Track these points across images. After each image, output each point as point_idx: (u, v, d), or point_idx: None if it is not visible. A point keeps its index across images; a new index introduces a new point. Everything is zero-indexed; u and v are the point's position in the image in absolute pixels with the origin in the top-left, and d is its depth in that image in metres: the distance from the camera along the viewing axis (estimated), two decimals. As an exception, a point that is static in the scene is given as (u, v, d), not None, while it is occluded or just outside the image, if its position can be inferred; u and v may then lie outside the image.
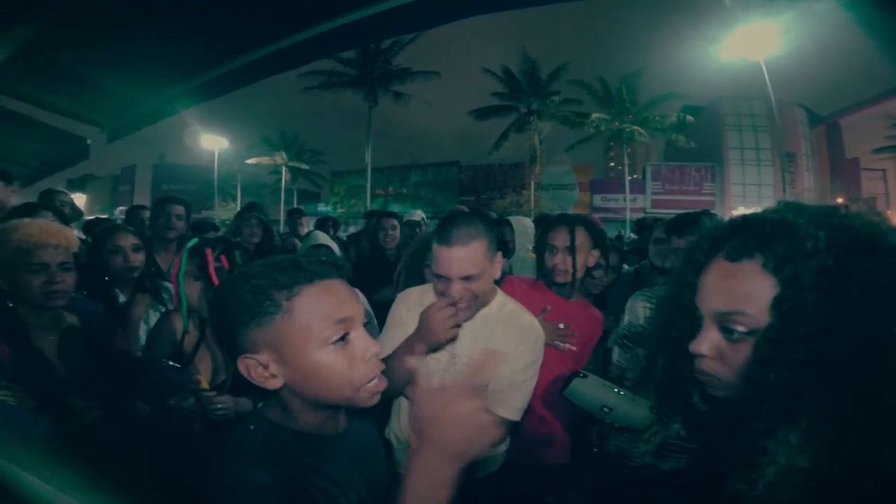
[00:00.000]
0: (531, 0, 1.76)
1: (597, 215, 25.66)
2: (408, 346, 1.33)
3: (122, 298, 2.18)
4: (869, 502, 0.55)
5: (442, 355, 1.45)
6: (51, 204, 3.11)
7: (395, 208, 28.36)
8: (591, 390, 1.52)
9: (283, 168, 32.76)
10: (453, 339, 1.39)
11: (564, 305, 1.85)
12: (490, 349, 1.39)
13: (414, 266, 2.22)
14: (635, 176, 29.41)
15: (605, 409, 1.51)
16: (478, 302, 1.38)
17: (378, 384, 0.81)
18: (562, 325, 1.77)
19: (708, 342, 0.68)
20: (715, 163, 28.73)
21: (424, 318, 1.31)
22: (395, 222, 3.40)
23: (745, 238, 0.66)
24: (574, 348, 1.79)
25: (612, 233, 10.68)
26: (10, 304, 1.45)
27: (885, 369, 0.55)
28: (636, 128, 24.59)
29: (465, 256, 1.28)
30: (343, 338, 0.77)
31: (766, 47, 10.61)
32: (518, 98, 25.97)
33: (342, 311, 0.77)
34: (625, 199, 26.04)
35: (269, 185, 36.37)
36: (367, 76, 25.17)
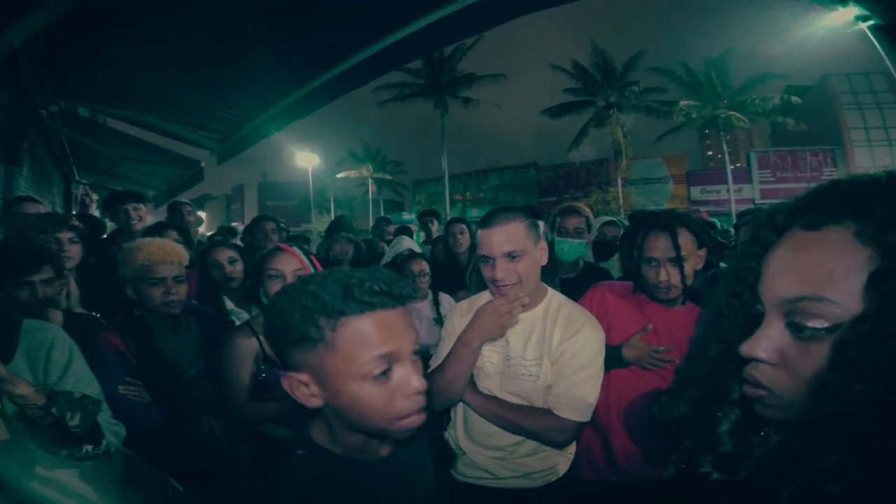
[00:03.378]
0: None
1: (696, 208, 23.39)
2: (461, 343, 1.35)
3: (229, 305, 2.42)
4: None
5: (496, 358, 1.43)
6: (177, 222, 3.56)
7: (473, 213, 28.54)
8: None
9: (370, 180, 34.57)
10: (501, 337, 1.39)
11: (666, 315, 1.62)
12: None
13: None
14: (738, 164, 26.38)
15: None
16: (523, 289, 1.35)
17: (415, 420, 0.76)
18: (661, 349, 1.56)
19: (767, 342, 0.50)
20: (834, 145, 24.96)
21: (479, 312, 1.34)
22: (463, 227, 3.43)
23: (830, 201, 0.48)
24: (677, 361, 1.57)
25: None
26: (138, 312, 1.69)
27: None
28: (733, 113, 22.28)
29: (504, 234, 1.33)
30: (385, 372, 0.73)
31: (870, 18, 8.90)
32: (593, 92, 24.84)
33: (387, 347, 0.72)
34: (728, 191, 23.56)
35: (357, 196, 38.64)
36: (434, 85, 25.73)
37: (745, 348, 0.51)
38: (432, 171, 34.94)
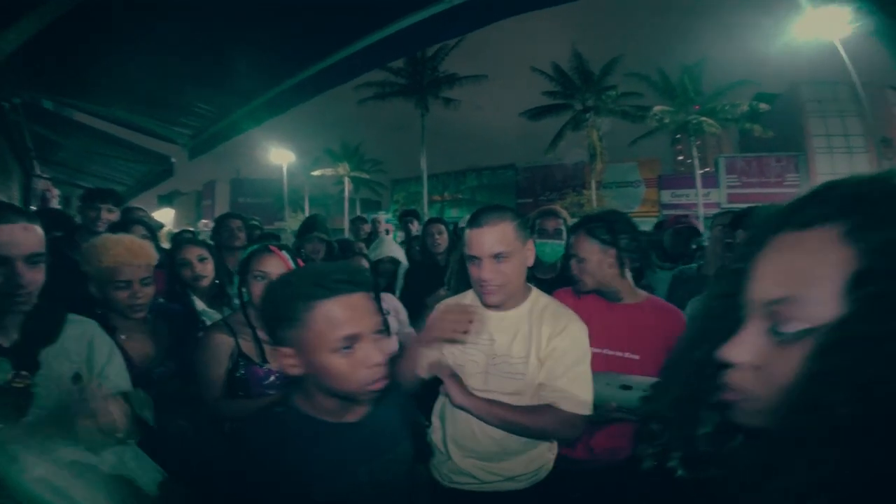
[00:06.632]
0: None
1: (667, 212, 24.23)
2: (417, 341, 1.41)
3: (199, 305, 2.36)
4: None
5: (479, 357, 1.43)
6: (141, 219, 3.45)
7: (452, 213, 28.61)
8: (598, 391, 1.45)
9: (346, 178, 34.18)
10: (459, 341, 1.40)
11: (614, 310, 1.74)
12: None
13: (463, 269, 2.22)
14: (707, 169, 27.32)
15: (623, 409, 1.48)
16: (508, 289, 1.38)
17: (377, 385, 0.92)
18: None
19: (746, 345, 0.48)
20: (798, 152, 26.15)
21: (435, 318, 1.37)
22: (441, 227, 3.46)
23: (821, 200, 0.46)
24: (636, 356, 1.65)
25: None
26: (99, 312, 1.63)
27: None
28: (704, 118, 23.01)
29: (493, 234, 1.35)
30: (350, 346, 0.89)
31: (843, 28, 9.39)
32: (572, 95, 25.31)
33: (350, 328, 0.89)
34: (697, 195, 24.34)
35: (333, 195, 38.13)
36: (416, 84, 25.78)
37: (724, 352, 0.50)
38: (411, 171, 34.81)
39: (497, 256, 1.34)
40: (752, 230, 0.55)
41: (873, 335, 0.38)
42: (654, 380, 1.47)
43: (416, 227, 4.71)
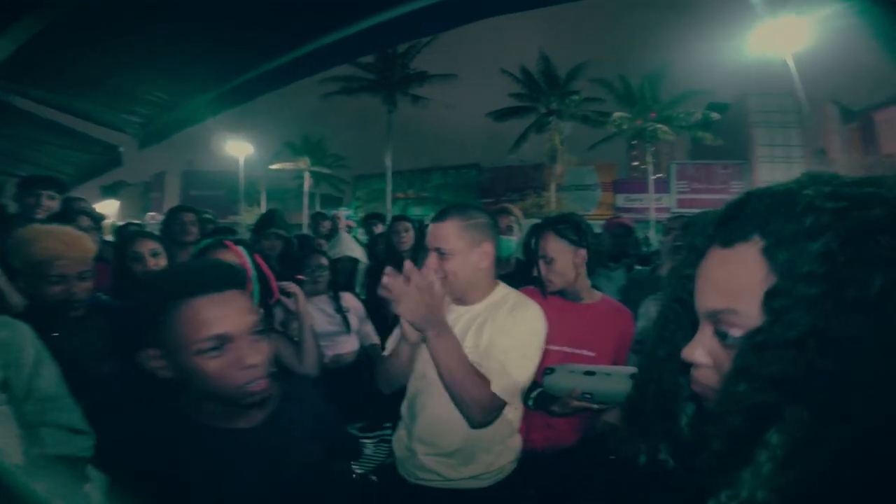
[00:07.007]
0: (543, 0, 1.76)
1: (621, 216, 24.89)
2: (403, 342, 1.39)
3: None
4: None
5: None
6: (85, 209, 3.25)
7: (415, 211, 28.49)
8: (563, 381, 1.52)
9: (306, 173, 33.30)
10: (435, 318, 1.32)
11: (575, 310, 1.80)
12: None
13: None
14: (660, 175, 28.61)
15: (587, 396, 1.51)
16: (454, 285, 1.41)
17: (257, 386, 0.87)
18: None
19: (702, 348, 0.55)
20: (743, 160, 27.90)
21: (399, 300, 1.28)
22: (408, 224, 3.48)
23: (739, 217, 0.53)
24: (592, 354, 1.73)
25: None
26: (28, 311, 1.52)
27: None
28: (660, 126, 24.03)
29: (437, 230, 1.41)
30: (219, 347, 0.84)
31: (794, 43, 10.17)
32: (537, 98, 25.79)
33: (219, 326, 0.84)
34: (650, 199, 25.45)
35: (292, 189, 37.02)
36: (385, 80, 25.46)
37: (685, 353, 0.57)
38: (374, 167, 34.23)
39: (438, 251, 1.40)
40: (691, 238, 0.61)
41: (776, 342, 0.46)
42: (616, 367, 1.55)
43: (380, 230, 4.81)
